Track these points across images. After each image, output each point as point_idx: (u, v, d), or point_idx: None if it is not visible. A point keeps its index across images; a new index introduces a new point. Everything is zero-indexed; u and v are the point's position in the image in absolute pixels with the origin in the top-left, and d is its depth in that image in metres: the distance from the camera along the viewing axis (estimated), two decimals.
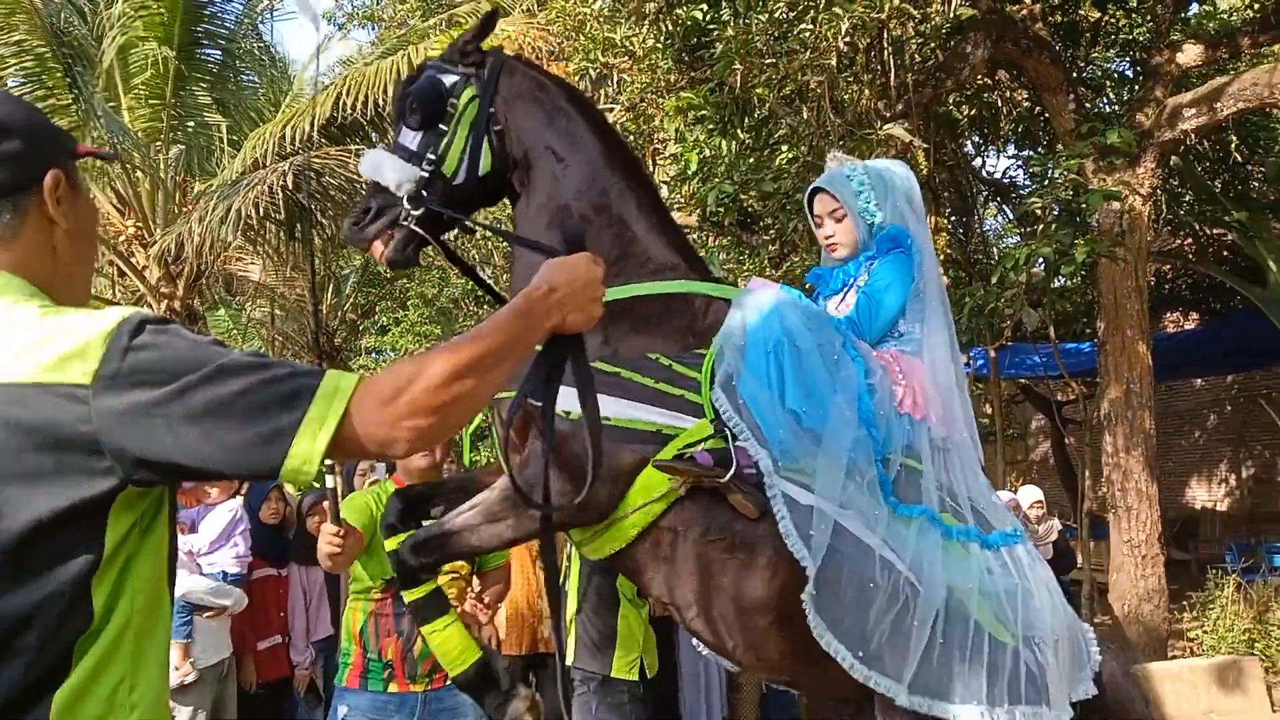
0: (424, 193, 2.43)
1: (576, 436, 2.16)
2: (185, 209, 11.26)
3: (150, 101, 11.14)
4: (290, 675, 5.78)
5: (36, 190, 1.31)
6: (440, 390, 1.26)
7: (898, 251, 2.57)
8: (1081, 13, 9.05)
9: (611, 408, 2.22)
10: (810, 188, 2.78)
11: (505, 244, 8.68)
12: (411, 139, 2.47)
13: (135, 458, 1.17)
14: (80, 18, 10.50)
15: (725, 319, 2.39)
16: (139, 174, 11.11)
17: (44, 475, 1.15)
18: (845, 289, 2.66)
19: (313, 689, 5.84)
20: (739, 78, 6.72)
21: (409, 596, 2.42)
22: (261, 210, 9.72)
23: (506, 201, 2.73)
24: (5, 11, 9.55)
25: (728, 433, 2.25)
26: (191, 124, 11.74)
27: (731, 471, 2.22)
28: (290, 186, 9.79)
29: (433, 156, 2.45)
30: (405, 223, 2.42)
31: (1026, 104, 9.91)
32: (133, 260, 11.29)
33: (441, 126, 2.47)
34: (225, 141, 11.95)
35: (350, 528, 3.10)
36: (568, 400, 1.84)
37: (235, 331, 18.51)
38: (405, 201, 2.41)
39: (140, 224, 11.24)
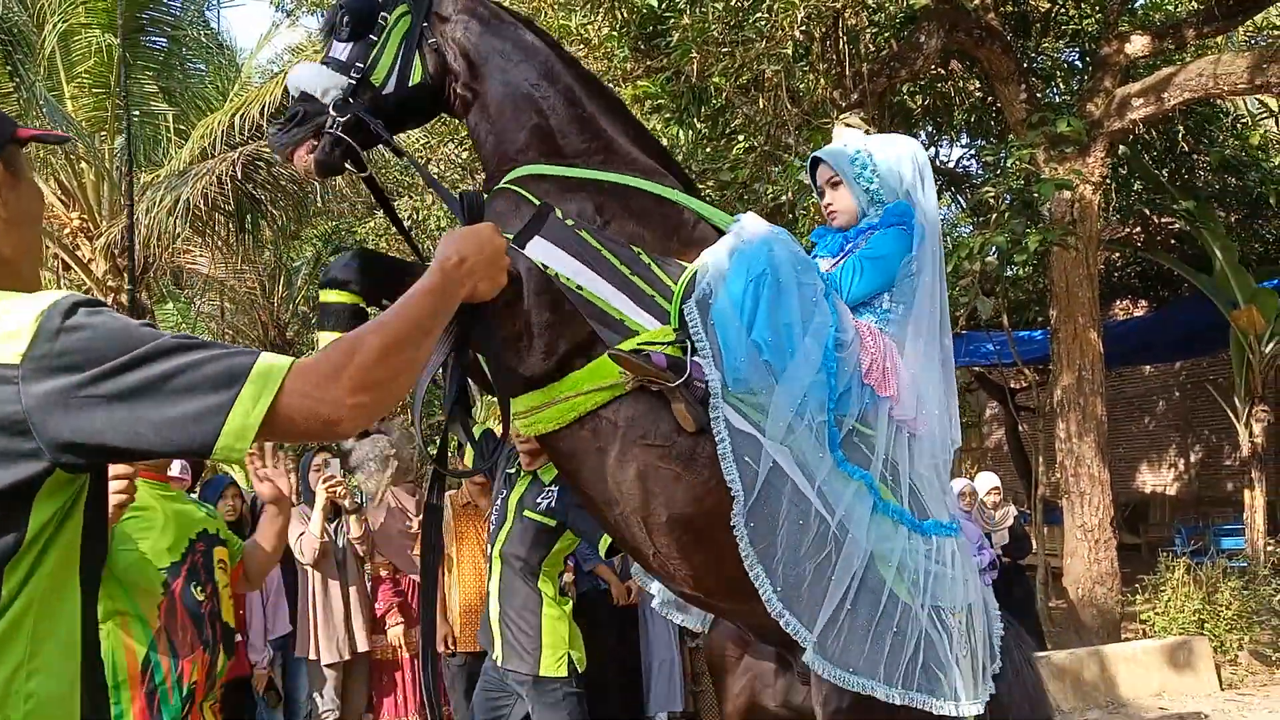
0: (350, 100, 2.42)
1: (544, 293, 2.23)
2: (138, 198, 11.03)
3: (94, 90, 10.89)
4: (249, 675, 5.68)
5: None
6: (378, 366, 1.28)
7: (899, 227, 2.53)
8: (1032, 3, 9.15)
9: (584, 278, 2.24)
10: (810, 158, 2.77)
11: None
12: (341, 50, 2.46)
13: (64, 441, 1.15)
14: (20, 4, 10.23)
15: (715, 242, 2.38)
16: (83, 164, 10.86)
17: None
18: (841, 254, 2.62)
19: (271, 688, 5.73)
20: (695, 67, 6.71)
21: (326, 296, 2.32)
22: (210, 200, 9.54)
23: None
24: None
25: (688, 345, 2.24)
26: (137, 113, 11.49)
27: (681, 379, 2.19)
28: (240, 176, 9.63)
29: (361, 65, 2.44)
30: (331, 129, 2.40)
31: (979, 94, 10.00)
32: (77, 253, 11.04)
33: (372, 38, 2.46)
34: (172, 131, 11.72)
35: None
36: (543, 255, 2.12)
37: (184, 325, 18.18)
38: (331, 109, 2.40)
39: (85, 215, 11.00)
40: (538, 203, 2.33)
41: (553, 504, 3.84)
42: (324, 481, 5.02)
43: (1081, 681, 6.34)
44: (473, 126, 2.58)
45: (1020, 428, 13.94)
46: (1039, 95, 8.65)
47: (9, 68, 9.82)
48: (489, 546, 4.02)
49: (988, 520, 6.89)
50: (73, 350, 1.15)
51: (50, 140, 1.65)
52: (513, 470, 4.00)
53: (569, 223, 2.30)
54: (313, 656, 5.39)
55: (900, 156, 2.62)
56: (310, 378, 1.24)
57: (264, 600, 5.71)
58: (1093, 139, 7.46)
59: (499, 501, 4.04)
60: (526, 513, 3.88)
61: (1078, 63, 9.96)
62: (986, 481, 7.40)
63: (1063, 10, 9.27)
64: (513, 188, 2.40)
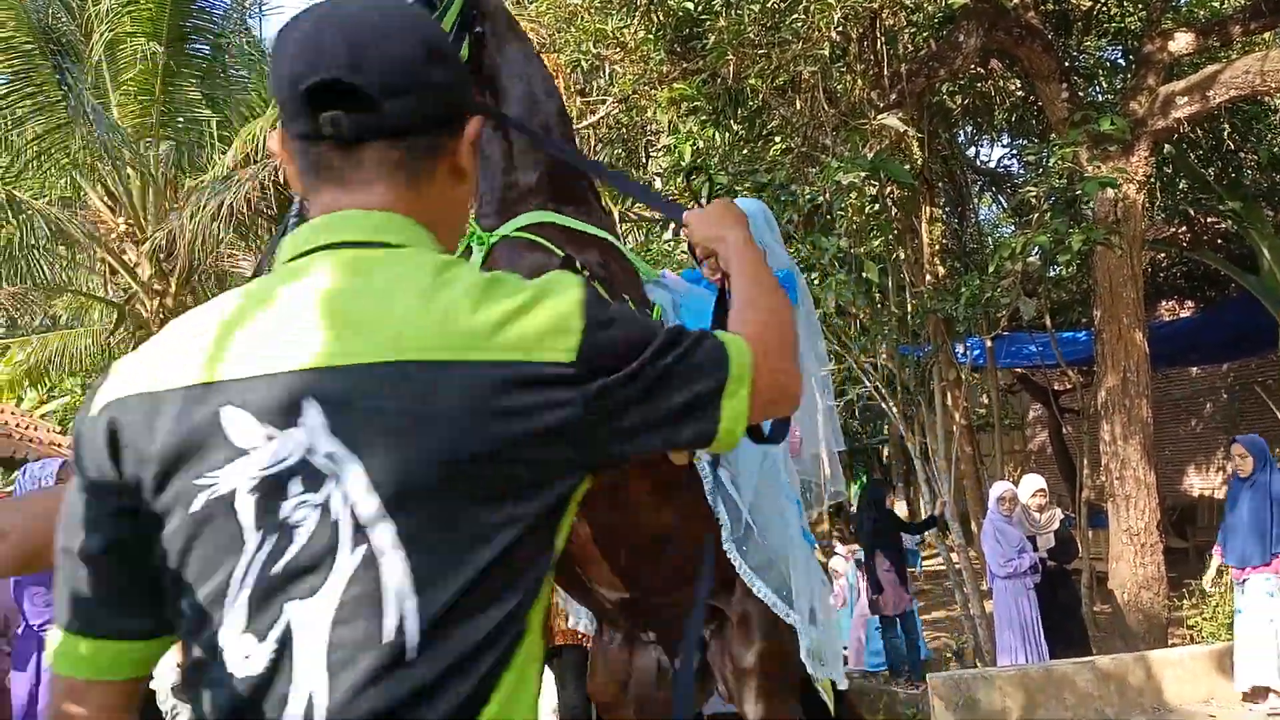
0: None
1: None
2: (177, 205, 11.21)
3: (139, 97, 11.08)
4: None
5: (456, 133, 1.09)
6: (793, 332, 1.25)
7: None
8: (1073, 1, 9.03)
9: None
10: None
11: None
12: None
13: (605, 447, 1.03)
14: (68, 14, 10.44)
15: (655, 295, 2.49)
16: (129, 170, 11.05)
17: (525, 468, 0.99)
18: None
19: None
20: (731, 69, 6.69)
21: None
22: (253, 205, 9.68)
23: None
24: None
25: None
26: (181, 119, 11.69)
27: None
28: (282, 181, 9.75)
29: (436, 14, 2.27)
30: None
31: (1020, 93, 9.89)
32: (124, 257, 11.24)
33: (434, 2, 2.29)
34: (215, 137, 11.89)
35: None
36: None
37: None
38: None
39: (131, 220, 11.19)
40: (562, 254, 2.25)
41: None
42: None
43: (1127, 687, 6.24)
44: (481, 141, 2.50)
45: (1064, 430, 13.74)
46: (1081, 94, 8.54)
47: (58, 76, 10.02)
48: None
49: (1032, 523, 6.81)
50: (613, 345, 1.02)
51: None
52: None
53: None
54: None
55: (753, 215, 2.69)
56: (768, 351, 1.15)
57: None
58: (1136, 138, 7.35)
59: None
60: None
61: (1120, 61, 9.83)
62: (1031, 485, 7.32)
63: (1104, 8, 9.15)
64: (537, 239, 2.28)
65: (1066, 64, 8.42)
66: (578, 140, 8.89)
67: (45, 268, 11.54)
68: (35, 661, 4.76)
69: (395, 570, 0.91)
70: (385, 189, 1.03)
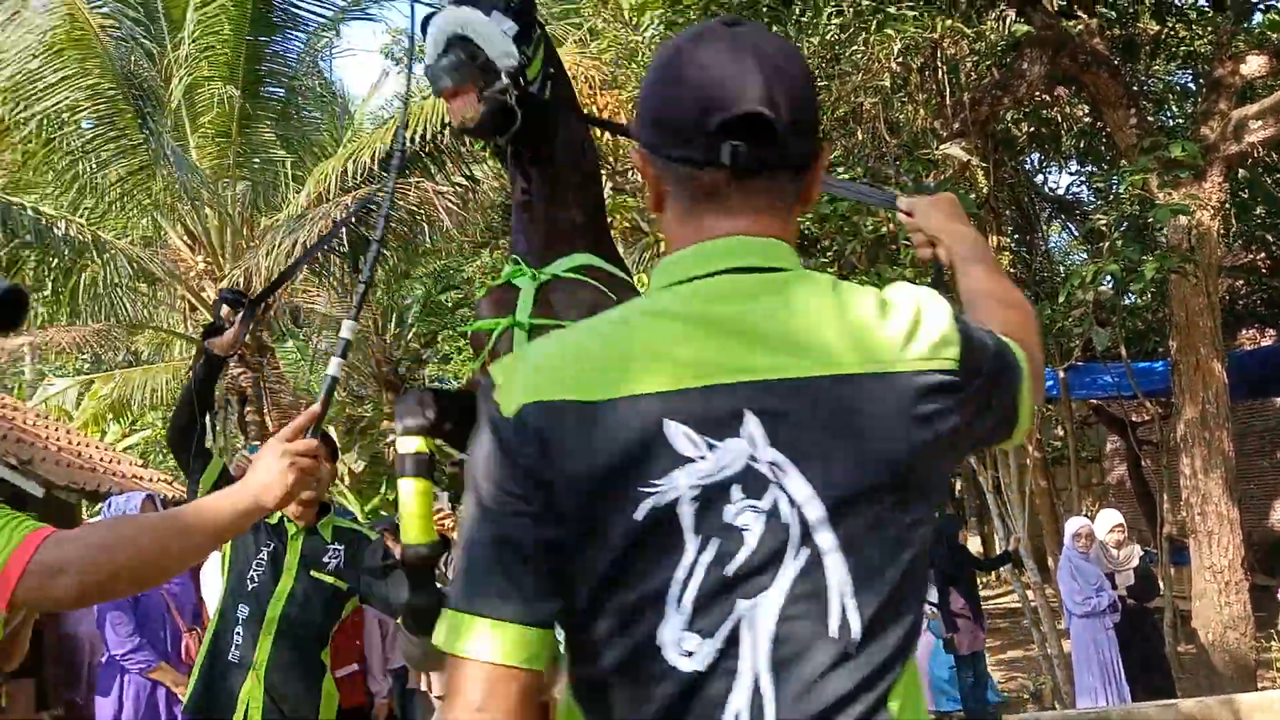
0: (521, 79, 2.22)
1: None
2: (253, 243, 11.53)
3: (217, 139, 11.45)
4: (366, 704, 5.86)
5: (813, 165, 1.14)
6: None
7: None
8: (1140, 26, 8.89)
9: None
10: None
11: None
12: (508, 24, 2.23)
13: (961, 448, 1.10)
14: (150, 60, 10.85)
15: None
16: (207, 210, 11.41)
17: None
18: None
19: (391, 718, 5.90)
20: None
21: (413, 446, 2.22)
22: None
23: None
24: (80, 58, 9.91)
25: None
26: (257, 160, 12.05)
27: None
28: (353, 220, 9.98)
29: (529, 52, 2.26)
30: (503, 95, 2.19)
31: (1087, 119, 9.74)
32: (203, 295, 11.57)
33: (531, 31, 2.30)
34: (289, 177, 12.23)
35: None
36: None
37: (302, 362, 18.88)
38: (505, 75, 2.18)
39: (210, 259, 11.53)
40: (615, 297, 2.29)
41: (341, 564, 3.31)
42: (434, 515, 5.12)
43: None
44: (525, 184, 2.44)
45: (1143, 463, 13.36)
46: (1150, 119, 8.38)
47: (139, 120, 10.40)
48: (234, 607, 3.23)
49: (1110, 560, 6.62)
50: (978, 353, 1.08)
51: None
52: (273, 522, 3.26)
53: None
54: (424, 688, 5.50)
55: None
56: (1034, 343, 1.25)
57: (382, 633, 5.88)
58: (1209, 163, 7.18)
59: (259, 557, 3.28)
60: (314, 572, 3.28)
61: (1190, 85, 9.63)
62: (1108, 520, 7.09)
63: (1172, 32, 8.99)
64: (587, 280, 2.34)
65: (1135, 89, 8.28)
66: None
67: (128, 305, 11.91)
68: (118, 687, 4.90)
69: (837, 571, 0.98)
70: (770, 218, 1.09)
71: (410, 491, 2.20)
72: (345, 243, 10.60)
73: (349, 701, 5.71)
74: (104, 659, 5.12)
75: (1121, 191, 6.88)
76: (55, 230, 10.35)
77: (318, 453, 1.70)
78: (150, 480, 12.15)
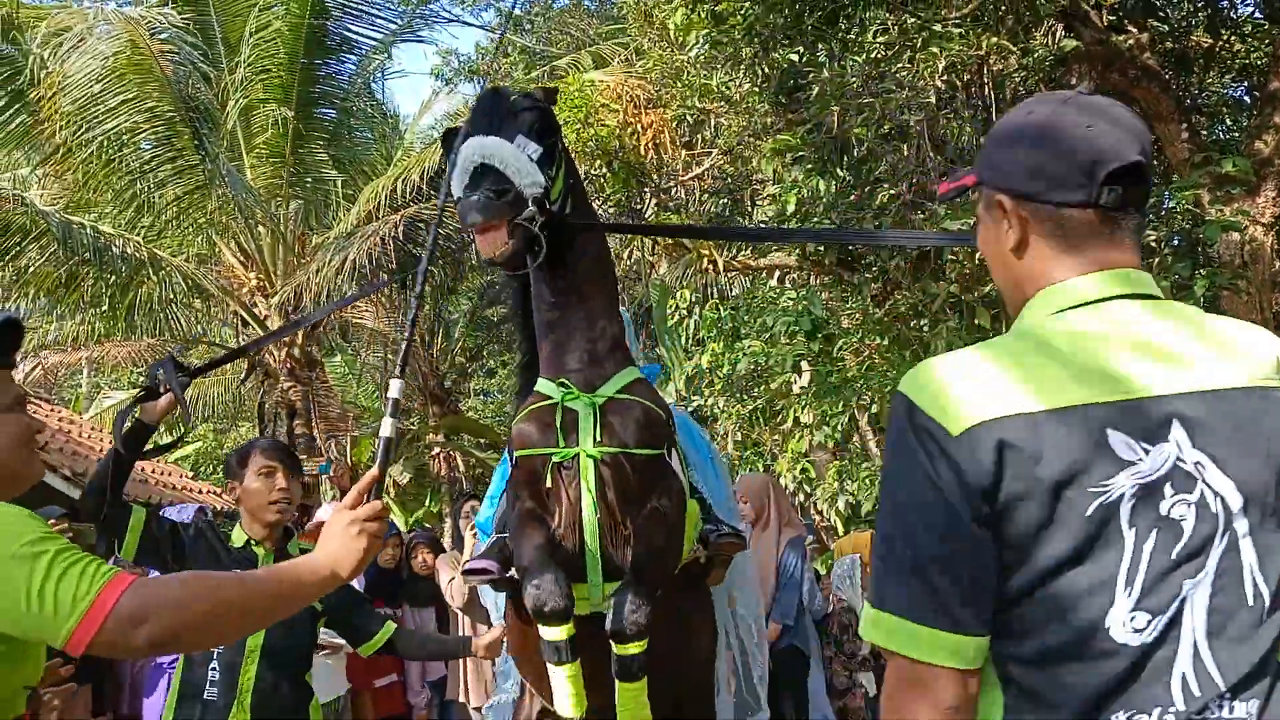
0: (546, 202, 2.34)
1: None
2: (304, 261, 11.74)
3: (271, 160, 11.71)
4: (404, 714, 5.94)
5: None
6: None
7: None
8: (1194, 39, 8.78)
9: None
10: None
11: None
12: (533, 149, 2.34)
13: None
14: (206, 83, 11.12)
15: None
16: (260, 229, 11.65)
17: None
18: None
19: None
20: (836, 118, 6.72)
21: (562, 634, 2.31)
22: (374, 260, 10.08)
23: None
24: (140, 82, 10.18)
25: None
26: (309, 180, 12.29)
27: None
28: (401, 237, 10.15)
29: (551, 173, 2.37)
30: (530, 224, 2.31)
31: None
32: (255, 310, 11.81)
33: (554, 150, 2.42)
34: (340, 195, 12.45)
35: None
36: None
37: (350, 376, 19.14)
38: (532, 203, 2.30)
39: (262, 276, 11.77)
40: (662, 412, 2.60)
41: None
42: (472, 529, 5.19)
43: None
44: (553, 300, 2.54)
45: None
46: (1203, 133, 8.27)
47: (195, 142, 10.66)
48: None
49: None
50: None
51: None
52: (238, 545, 3.10)
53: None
54: (462, 699, 5.56)
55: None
56: None
57: None
58: (1262, 177, 7.07)
59: None
60: None
61: (1245, 98, 9.50)
62: None
63: (1227, 45, 8.87)
64: (636, 399, 2.53)
65: (1187, 103, 8.18)
66: (684, 191, 9.04)
67: (182, 320, 12.19)
68: (164, 687, 5.01)
69: (1249, 551, 1.19)
70: (1134, 250, 1.31)
71: (564, 676, 2.32)
72: (393, 259, 10.76)
73: (388, 711, 5.82)
74: (146, 664, 5.24)
75: (1172, 207, 6.80)
76: (113, 248, 10.64)
77: (384, 514, 1.74)
78: (200, 492, 12.40)
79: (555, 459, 2.41)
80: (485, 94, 2.55)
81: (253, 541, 3.03)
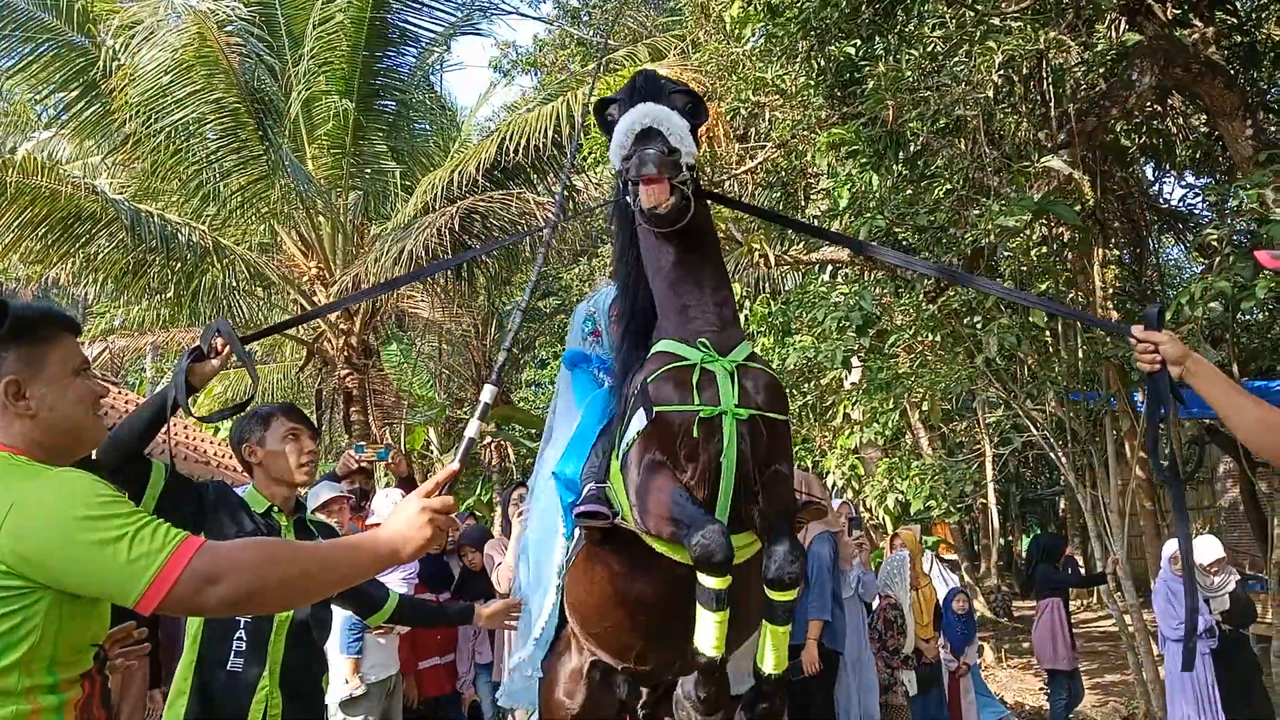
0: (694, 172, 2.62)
1: None
2: (362, 250, 11.94)
3: (332, 150, 11.91)
4: (451, 694, 6.07)
5: None
6: None
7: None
8: (1264, 32, 8.58)
9: None
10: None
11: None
12: (683, 126, 2.61)
13: None
14: (271, 75, 11.35)
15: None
16: (321, 218, 11.86)
17: None
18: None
19: (476, 709, 6.11)
20: (891, 112, 6.69)
21: (723, 583, 2.46)
22: (430, 251, 10.22)
23: None
24: (207, 74, 10.42)
25: None
26: (369, 170, 12.48)
27: None
28: (457, 229, 10.28)
29: (693, 147, 2.63)
30: (686, 188, 2.56)
31: (1204, 129, 9.43)
32: (314, 299, 12.03)
33: (694, 133, 2.68)
34: (398, 186, 12.63)
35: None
36: None
37: (405, 365, 19.42)
38: (686, 168, 2.56)
39: (322, 264, 11.99)
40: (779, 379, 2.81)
41: None
42: (519, 515, 5.26)
43: None
44: (684, 262, 2.75)
45: (1257, 486, 12.82)
46: (1270, 130, 8.07)
47: (259, 132, 10.89)
48: None
49: (1206, 586, 6.41)
50: None
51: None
52: (261, 511, 3.04)
53: None
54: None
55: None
56: None
57: (474, 631, 6.08)
58: None
59: None
60: None
61: None
62: (1208, 553, 6.72)
63: None
64: (764, 368, 2.78)
65: (1253, 99, 7.99)
66: (736, 184, 9.04)
67: (244, 307, 12.46)
68: None
69: None
70: None
71: (715, 622, 2.48)
72: (449, 250, 10.90)
73: (436, 690, 5.94)
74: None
75: (1235, 206, 6.66)
76: (180, 236, 10.91)
77: (453, 509, 1.81)
78: None
79: (702, 415, 2.57)
80: (640, 74, 2.80)
81: (274, 508, 3.02)
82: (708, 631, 2.47)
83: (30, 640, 1.55)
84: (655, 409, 2.62)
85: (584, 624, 3.02)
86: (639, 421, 2.67)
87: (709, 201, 3.02)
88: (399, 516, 1.76)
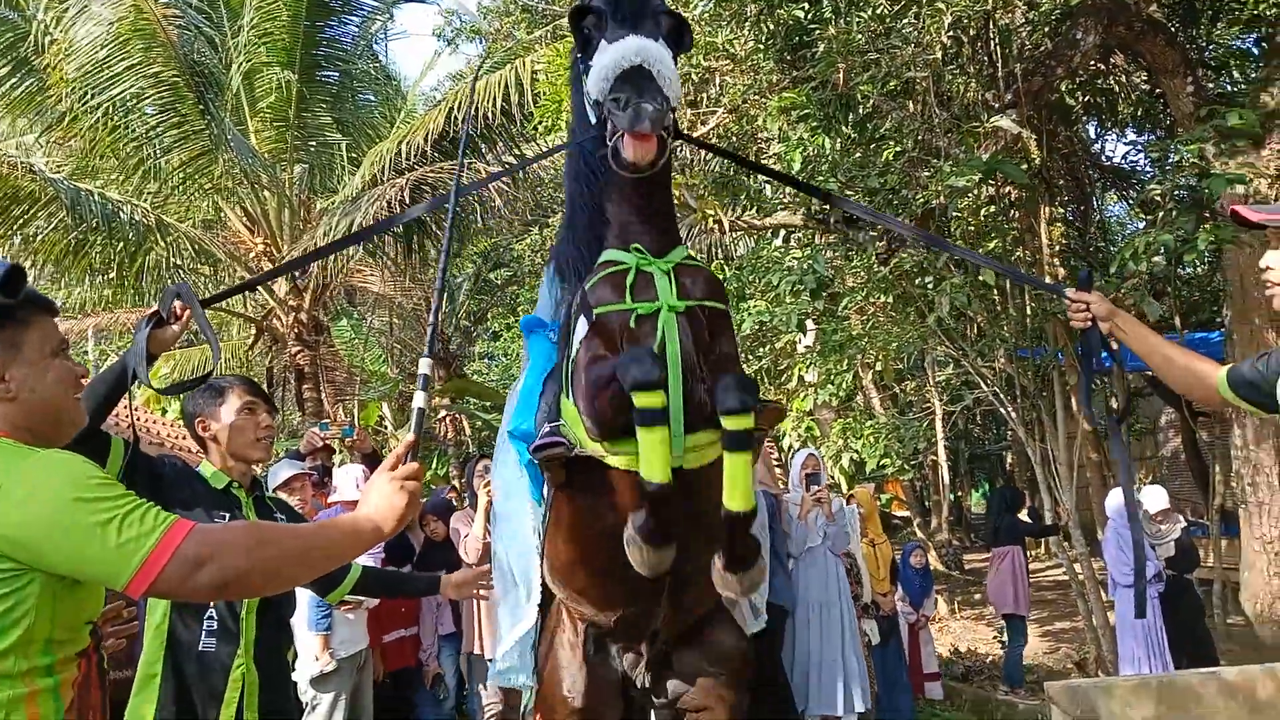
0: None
1: None
2: (310, 224, 11.77)
3: (275, 123, 11.70)
4: (415, 668, 6.09)
5: None
6: None
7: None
8: None
9: None
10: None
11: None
12: (674, 63, 2.55)
13: None
14: (211, 47, 11.10)
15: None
16: (266, 193, 11.67)
17: None
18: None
19: (439, 680, 6.13)
20: (842, 75, 6.72)
21: (657, 400, 2.41)
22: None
23: None
24: (144, 47, 10.16)
25: None
26: (314, 143, 12.28)
27: None
28: (407, 201, 10.17)
29: (679, 94, 2.60)
30: (668, 135, 2.53)
31: (1145, 86, 9.60)
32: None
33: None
34: (345, 159, 12.45)
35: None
36: None
37: (356, 340, 19.23)
38: (670, 114, 2.51)
39: (269, 240, 11.82)
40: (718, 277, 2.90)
41: None
42: (485, 485, 5.27)
43: (1256, 700, 6.00)
44: (642, 191, 2.74)
45: (1198, 435, 13.20)
46: (1210, 85, 8.25)
47: (200, 107, 10.66)
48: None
49: (1153, 534, 6.61)
50: None
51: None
52: (219, 488, 2.98)
53: None
54: (478, 652, 5.68)
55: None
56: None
57: (436, 603, 6.09)
58: (1267, 130, 7.08)
59: None
60: None
61: (1253, 49, 9.44)
62: (1154, 501, 6.96)
63: None
64: (700, 265, 2.83)
65: (1193, 56, 8.15)
66: (688, 150, 9.04)
67: (190, 285, 12.25)
68: None
69: None
70: None
71: (656, 440, 2.45)
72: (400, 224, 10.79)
73: (401, 663, 5.96)
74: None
75: (1177, 161, 6.81)
76: (121, 214, 10.68)
77: (420, 475, 1.83)
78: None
79: (640, 312, 2.59)
80: None
81: (233, 484, 2.96)
82: (648, 456, 2.43)
83: (25, 623, 1.54)
84: (595, 311, 2.63)
85: (567, 582, 2.98)
86: (581, 329, 2.68)
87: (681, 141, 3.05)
88: (371, 495, 1.78)
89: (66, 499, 1.52)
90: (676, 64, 2.61)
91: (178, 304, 2.56)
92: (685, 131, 3.06)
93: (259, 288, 11.93)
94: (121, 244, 10.91)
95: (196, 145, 10.88)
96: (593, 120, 2.67)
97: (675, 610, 2.85)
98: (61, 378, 1.74)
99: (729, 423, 2.47)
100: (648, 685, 3.01)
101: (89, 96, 10.13)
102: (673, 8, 2.64)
